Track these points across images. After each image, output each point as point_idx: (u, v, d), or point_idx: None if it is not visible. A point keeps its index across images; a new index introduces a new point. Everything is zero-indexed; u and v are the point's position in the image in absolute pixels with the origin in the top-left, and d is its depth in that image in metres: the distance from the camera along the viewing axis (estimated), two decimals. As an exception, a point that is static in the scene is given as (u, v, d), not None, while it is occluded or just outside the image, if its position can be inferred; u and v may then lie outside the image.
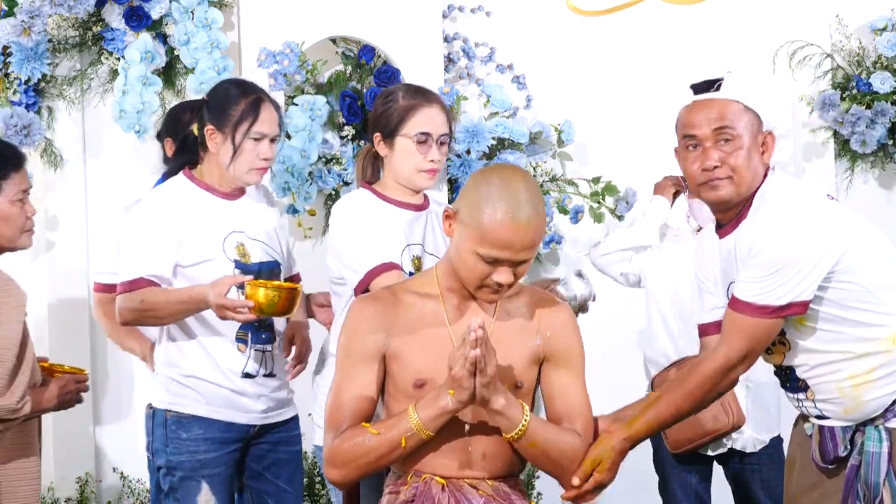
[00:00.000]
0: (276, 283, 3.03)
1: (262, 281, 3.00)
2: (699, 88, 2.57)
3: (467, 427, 2.47)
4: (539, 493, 4.18)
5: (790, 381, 2.62)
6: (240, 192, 3.21)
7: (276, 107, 3.20)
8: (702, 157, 2.52)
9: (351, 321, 2.55)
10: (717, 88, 2.54)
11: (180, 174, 3.21)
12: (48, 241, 4.05)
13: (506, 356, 2.50)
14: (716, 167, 2.51)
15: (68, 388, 3.00)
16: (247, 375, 3.14)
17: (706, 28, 4.59)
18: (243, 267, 3.12)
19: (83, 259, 4.09)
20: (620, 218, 4.33)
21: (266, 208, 3.28)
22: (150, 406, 3.20)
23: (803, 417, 2.68)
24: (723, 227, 2.60)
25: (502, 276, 2.42)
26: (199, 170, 3.19)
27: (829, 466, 2.58)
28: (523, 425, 2.44)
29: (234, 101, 3.12)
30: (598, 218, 4.36)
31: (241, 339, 3.13)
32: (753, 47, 4.52)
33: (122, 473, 4.12)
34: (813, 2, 4.50)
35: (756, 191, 2.54)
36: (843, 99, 4.43)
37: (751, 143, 2.51)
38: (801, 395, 2.60)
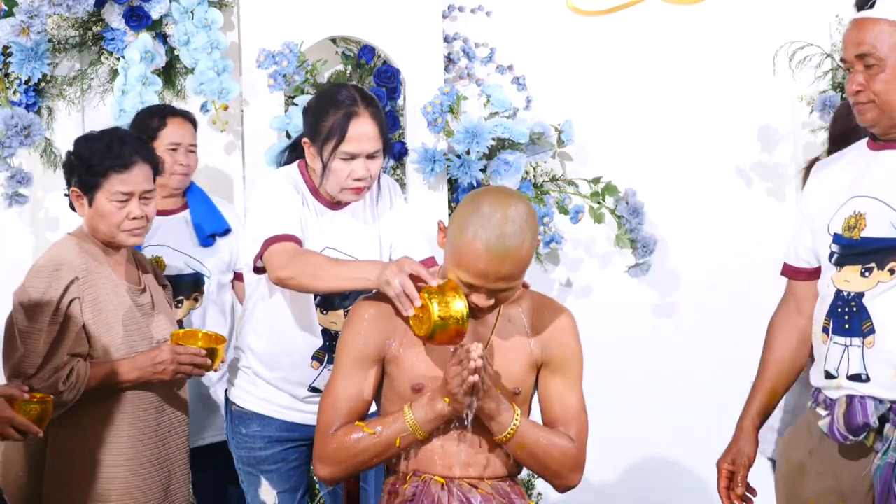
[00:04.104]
0: (461, 314, 2.39)
1: (449, 295, 2.40)
2: (858, 5, 2.53)
3: (464, 423, 2.48)
4: (539, 494, 4.19)
5: (853, 319, 2.53)
6: (340, 203, 3.07)
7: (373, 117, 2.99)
8: (849, 81, 2.53)
9: (353, 322, 2.55)
10: (871, 6, 2.50)
11: (293, 165, 3.10)
12: (48, 240, 4.05)
13: (505, 362, 2.51)
14: (857, 91, 2.50)
15: (160, 359, 2.96)
16: (314, 390, 3.08)
17: (706, 28, 4.59)
18: None
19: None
20: (620, 218, 4.33)
21: (371, 221, 3.07)
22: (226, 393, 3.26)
23: (821, 403, 2.60)
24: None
25: (479, 299, 2.42)
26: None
27: (848, 440, 2.51)
28: (513, 428, 2.45)
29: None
30: (598, 218, 4.36)
31: (317, 358, 3.08)
32: (753, 47, 4.52)
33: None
34: (813, 2, 4.49)
35: None
36: (843, 99, 4.42)
37: None
38: (857, 341, 2.51)
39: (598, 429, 4.37)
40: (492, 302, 2.43)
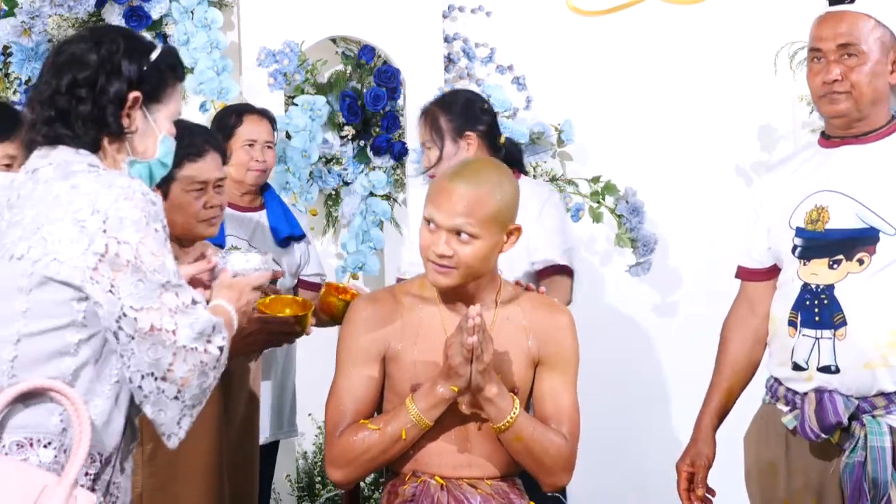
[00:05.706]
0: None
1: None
2: (834, 0, 2.56)
3: (462, 407, 2.48)
4: (539, 494, 4.18)
5: (823, 311, 2.52)
6: None
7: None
8: (824, 70, 2.54)
9: (351, 322, 2.55)
10: (852, 1, 2.52)
11: None
12: (48, 240, 4.06)
13: (503, 361, 2.50)
14: (835, 80, 2.52)
15: (249, 330, 2.73)
16: None
17: (706, 28, 4.59)
18: None
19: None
20: (620, 217, 4.33)
21: None
22: None
23: (785, 400, 2.59)
24: (860, 137, 2.57)
25: (438, 243, 2.41)
26: None
27: (820, 438, 2.50)
28: (512, 417, 2.44)
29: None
30: (597, 217, 4.36)
31: None
32: (753, 47, 4.52)
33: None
34: (813, 2, 4.48)
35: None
36: (843, 99, 4.42)
37: (878, 60, 2.51)
38: (828, 333, 2.51)
39: (598, 428, 4.38)
40: (450, 252, 2.40)
